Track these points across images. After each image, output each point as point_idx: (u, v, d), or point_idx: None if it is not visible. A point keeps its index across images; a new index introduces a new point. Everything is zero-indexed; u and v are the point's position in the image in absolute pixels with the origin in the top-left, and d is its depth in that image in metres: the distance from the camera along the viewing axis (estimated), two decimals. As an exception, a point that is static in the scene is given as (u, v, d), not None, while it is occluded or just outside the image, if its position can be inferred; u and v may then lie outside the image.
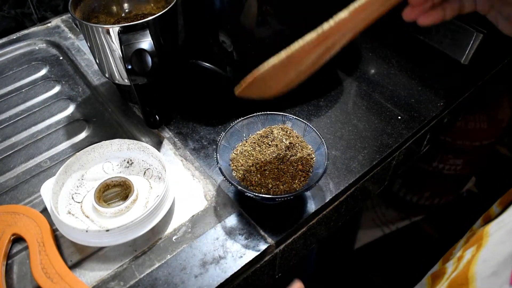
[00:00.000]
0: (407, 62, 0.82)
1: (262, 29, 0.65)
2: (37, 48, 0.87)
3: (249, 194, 0.53)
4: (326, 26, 0.41)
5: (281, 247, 0.57)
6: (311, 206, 0.59)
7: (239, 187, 0.53)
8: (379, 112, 0.72)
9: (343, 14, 0.41)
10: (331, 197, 0.60)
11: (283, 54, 0.43)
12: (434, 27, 0.76)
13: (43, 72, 0.82)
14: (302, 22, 0.67)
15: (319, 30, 0.41)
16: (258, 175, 0.56)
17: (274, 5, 0.62)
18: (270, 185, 0.55)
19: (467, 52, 0.74)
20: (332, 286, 1.28)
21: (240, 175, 0.56)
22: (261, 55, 0.69)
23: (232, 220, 0.57)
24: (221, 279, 0.52)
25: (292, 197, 0.53)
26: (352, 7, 0.41)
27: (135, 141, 0.61)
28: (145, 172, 0.62)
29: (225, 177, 0.53)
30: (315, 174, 0.56)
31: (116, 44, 0.60)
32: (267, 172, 0.56)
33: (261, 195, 0.53)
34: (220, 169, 0.54)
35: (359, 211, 1.27)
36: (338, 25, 0.41)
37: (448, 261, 0.51)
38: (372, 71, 0.81)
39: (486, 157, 1.42)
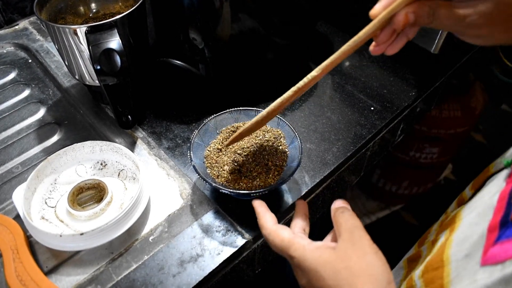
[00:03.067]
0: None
1: (232, 25, 0.65)
2: (4, 51, 0.85)
3: (224, 191, 0.53)
4: (300, 83, 0.46)
5: (259, 242, 0.57)
6: (288, 200, 0.59)
7: (214, 184, 0.53)
8: (353, 104, 0.73)
9: (315, 73, 0.45)
10: (306, 190, 0.60)
11: (264, 112, 0.49)
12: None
13: (12, 75, 0.80)
14: (272, 16, 0.67)
15: (294, 88, 0.46)
16: (233, 171, 0.56)
17: (244, 0, 0.62)
18: (244, 181, 0.55)
19: (436, 41, 0.75)
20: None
21: (214, 172, 0.56)
22: (232, 51, 0.69)
23: (208, 218, 0.57)
24: (199, 277, 0.52)
25: (266, 192, 0.53)
26: (324, 64, 0.45)
27: (107, 142, 0.61)
28: (119, 174, 0.61)
29: (199, 174, 0.53)
30: (289, 168, 0.56)
31: (84, 45, 0.59)
32: (241, 168, 0.56)
33: (236, 191, 0.53)
34: (194, 167, 0.54)
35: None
36: (310, 81, 0.46)
37: (423, 244, 0.51)
38: (345, 63, 0.81)
39: (462, 145, 1.45)
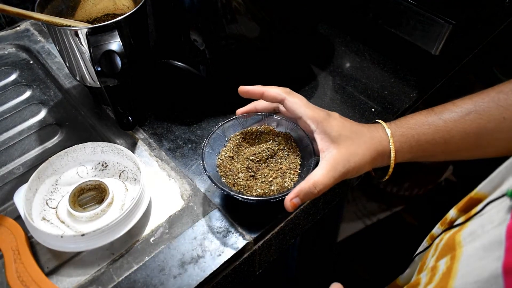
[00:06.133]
0: (379, 55, 0.83)
1: (233, 26, 0.65)
2: (6, 52, 0.86)
3: (244, 199, 0.52)
4: None
5: (260, 243, 0.57)
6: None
7: (232, 193, 0.52)
8: (353, 105, 0.73)
9: None
10: (307, 192, 0.60)
11: None
12: (404, 19, 0.76)
13: (13, 76, 0.81)
14: (273, 18, 0.67)
15: None
16: (248, 178, 0.55)
17: (244, 2, 0.62)
18: (261, 186, 0.54)
19: (437, 43, 0.75)
20: (315, 279, 1.28)
21: (230, 181, 0.55)
22: (233, 53, 0.69)
23: (209, 219, 0.57)
24: (200, 278, 0.52)
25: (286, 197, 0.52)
26: None
27: (108, 144, 0.61)
28: (120, 175, 0.61)
29: (216, 185, 0.52)
30: (304, 170, 0.56)
31: (85, 46, 0.59)
32: (256, 174, 0.56)
33: (255, 198, 0.53)
34: (209, 177, 0.53)
35: (340, 204, 1.28)
36: None
37: (422, 271, 0.50)
38: (346, 65, 0.81)
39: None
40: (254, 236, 0.56)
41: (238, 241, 0.55)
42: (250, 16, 0.64)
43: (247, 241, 0.55)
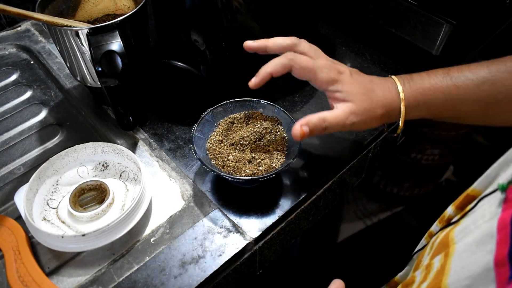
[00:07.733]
0: (380, 55, 0.83)
1: (234, 27, 0.65)
2: (7, 52, 0.86)
3: (233, 180, 0.55)
4: None
5: (260, 243, 0.57)
6: (289, 201, 0.59)
7: (222, 174, 0.54)
8: (354, 106, 0.73)
9: None
10: (308, 192, 0.60)
11: None
12: (404, 19, 0.76)
13: (14, 77, 0.81)
14: (273, 18, 0.67)
15: None
16: (237, 160, 0.57)
17: (245, 2, 0.62)
18: (250, 167, 0.56)
19: (438, 43, 0.75)
20: (316, 279, 1.28)
21: (219, 163, 0.57)
22: (234, 53, 0.69)
23: (210, 219, 0.57)
24: (201, 279, 0.52)
25: (274, 176, 0.54)
26: None
27: (109, 144, 0.61)
28: (121, 175, 0.61)
29: (206, 166, 0.54)
30: (291, 151, 0.58)
31: (85, 47, 0.60)
32: (245, 156, 0.58)
33: (243, 178, 0.54)
34: (199, 159, 0.55)
35: (340, 205, 1.28)
36: None
37: (418, 269, 0.50)
38: (346, 65, 0.81)
39: (463, 146, 1.44)
40: (254, 236, 0.56)
41: (238, 241, 0.55)
42: (250, 16, 0.64)
43: (248, 241, 0.55)
